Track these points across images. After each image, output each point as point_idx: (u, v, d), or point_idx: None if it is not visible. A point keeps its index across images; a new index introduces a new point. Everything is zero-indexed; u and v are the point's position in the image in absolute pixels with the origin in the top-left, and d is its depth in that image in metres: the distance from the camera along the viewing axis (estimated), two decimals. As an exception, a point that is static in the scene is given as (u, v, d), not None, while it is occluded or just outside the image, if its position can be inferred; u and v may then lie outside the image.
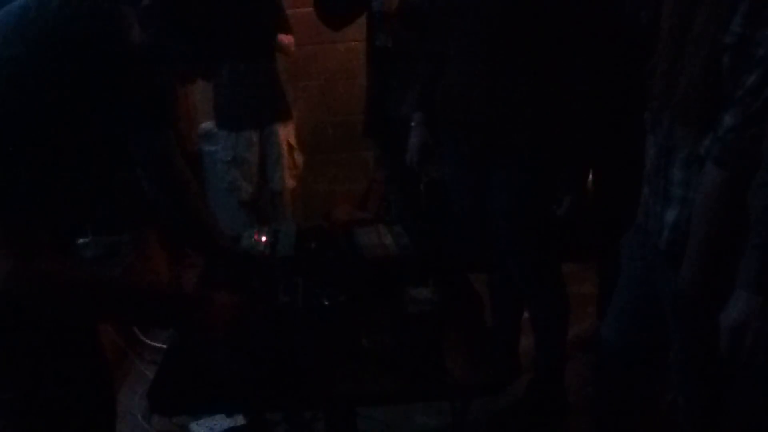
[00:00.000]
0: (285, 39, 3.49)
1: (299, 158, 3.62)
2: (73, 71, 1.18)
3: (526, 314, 2.74)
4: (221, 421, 2.59)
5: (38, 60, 1.15)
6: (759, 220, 1.43)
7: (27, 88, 1.14)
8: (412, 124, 2.60)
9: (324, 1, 2.80)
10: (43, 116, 1.15)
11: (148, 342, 3.22)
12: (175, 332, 1.67)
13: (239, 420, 2.56)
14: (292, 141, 3.57)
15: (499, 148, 2.31)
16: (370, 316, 1.64)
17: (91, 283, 1.25)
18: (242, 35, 1.58)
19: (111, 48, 1.23)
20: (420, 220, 2.83)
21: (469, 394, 1.56)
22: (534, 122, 2.24)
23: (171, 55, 1.33)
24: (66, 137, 1.17)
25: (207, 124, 3.92)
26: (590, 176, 2.74)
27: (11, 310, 1.20)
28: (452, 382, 1.42)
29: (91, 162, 1.21)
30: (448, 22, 2.33)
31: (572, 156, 2.35)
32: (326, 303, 1.62)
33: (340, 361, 1.48)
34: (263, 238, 2.02)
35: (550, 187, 2.36)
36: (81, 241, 2.63)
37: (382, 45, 2.82)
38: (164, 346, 2.97)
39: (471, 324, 1.65)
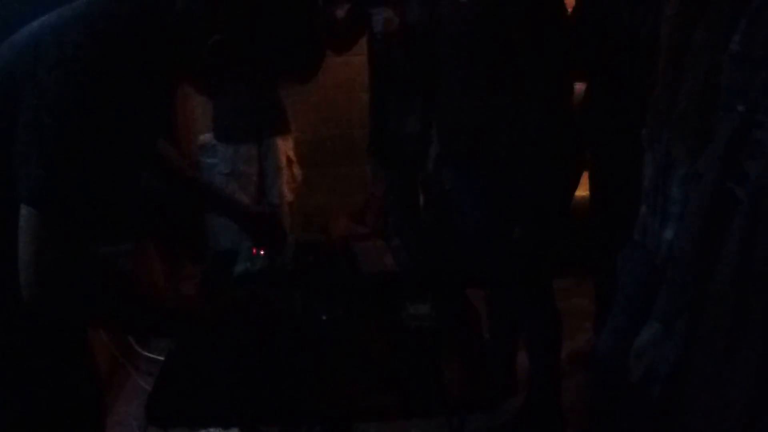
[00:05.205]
0: None
1: (298, 172, 3.62)
2: (135, 79, 1.19)
3: (524, 330, 2.73)
4: (217, 434, 2.57)
5: (107, 65, 1.15)
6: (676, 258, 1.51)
7: (92, 92, 1.13)
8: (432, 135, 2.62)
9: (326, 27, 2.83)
10: (96, 121, 1.14)
11: (144, 353, 3.21)
12: (173, 343, 1.66)
13: (235, 432, 2.55)
14: (291, 154, 3.57)
15: (472, 166, 2.34)
16: (368, 331, 1.64)
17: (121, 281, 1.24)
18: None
19: (171, 59, 1.26)
20: (418, 235, 2.82)
21: (466, 409, 1.56)
22: (494, 145, 2.24)
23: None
24: (101, 143, 1.16)
25: (206, 137, 3.92)
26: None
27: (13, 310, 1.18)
28: (449, 398, 1.42)
29: (105, 170, 1.19)
30: (439, 43, 2.35)
31: (525, 185, 2.19)
32: (324, 317, 1.62)
33: (338, 376, 1.48)
34: (261, 252, 2.02)
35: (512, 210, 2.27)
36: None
37: (383, 65, 2.84)
38: (160, 357, 2.97)
39: (469, 340, 1.64)
